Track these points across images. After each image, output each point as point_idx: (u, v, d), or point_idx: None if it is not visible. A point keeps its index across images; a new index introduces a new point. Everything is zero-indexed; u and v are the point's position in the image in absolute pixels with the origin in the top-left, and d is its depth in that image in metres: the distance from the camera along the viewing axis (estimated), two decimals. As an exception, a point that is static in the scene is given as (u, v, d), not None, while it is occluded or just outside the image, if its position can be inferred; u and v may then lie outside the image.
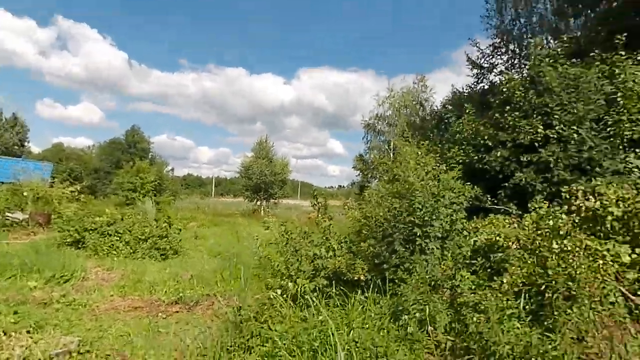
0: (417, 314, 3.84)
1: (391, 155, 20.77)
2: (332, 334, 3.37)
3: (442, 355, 3.62)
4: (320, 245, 5.66)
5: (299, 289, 4.75)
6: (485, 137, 8.93)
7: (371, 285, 5.02)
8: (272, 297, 4.34)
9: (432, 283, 4.61)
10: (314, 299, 4.55)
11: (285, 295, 4.59)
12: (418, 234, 4.99)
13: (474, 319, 3.62)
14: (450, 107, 15.44)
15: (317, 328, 3.73)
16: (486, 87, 14.40)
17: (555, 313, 3.47)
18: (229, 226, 15.51)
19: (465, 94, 14.97)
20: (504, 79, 10.44)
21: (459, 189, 5.82)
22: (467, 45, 29.66)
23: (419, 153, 6.42)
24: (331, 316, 4.28)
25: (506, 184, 8.59)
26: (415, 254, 4.88)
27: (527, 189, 8.10)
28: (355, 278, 5.11)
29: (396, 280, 4.59)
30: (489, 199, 9.03)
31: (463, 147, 9.62)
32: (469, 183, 6.54)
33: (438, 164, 6.34)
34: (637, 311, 3.66)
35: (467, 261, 5.14)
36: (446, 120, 13.39)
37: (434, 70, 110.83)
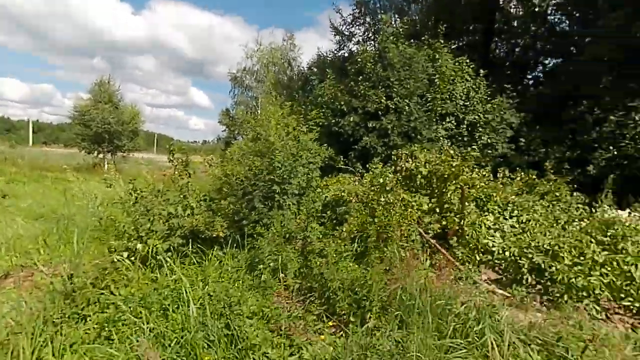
0: (272, 264, 4.20)
1: (258, 112, 20.57)
2: (185, 291, 3.37)
3: (289, 296, 4.12)
4: (177, 204, 5.36)
5: (150, 250, 4.46)
6: (342, 103, 9.83)
7: (230, 241, 5.14)
8: (116, 260, 3.95)
9: (287, 235, 5.06)
10: (168, 258, 4.38)
11: (133, 258, 4.25)
12: (277, 191, 5.31)
13: (317, 262, 4.21)
14: (315, 70, 16.14)
15: (170, 287, 3.65)
16: (346, 54, 15.55)
17: (375, 252, 4.39)
18: (57, 183, 12.59)
19: (329, 59, 15.83)
20: (360, 50, 11.51)
21: (316, 150, 6.34)
22: (331, 10, 30.75)
23: (282, 113, 6.61)
24: (186, 274, 4.23)
25: (355, 147, 9.85)
26: (274, 209, 5.19)
27: (370, 152, 9.51)
28: (214, 235, 5.12)
29: (255, 235, 4.84)
30: (342, 159, 10.23)
31: (323, 110, 10.35)
32: (325, 144, 7.23)
33: (299, 125, 6.70)
34: (427, 245, 4.97)
35: (318, 214, 5.82)
36: (311, 83, 14.01)
37: (303, 29, 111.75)
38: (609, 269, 3.94)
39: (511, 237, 5.05)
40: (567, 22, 13.46)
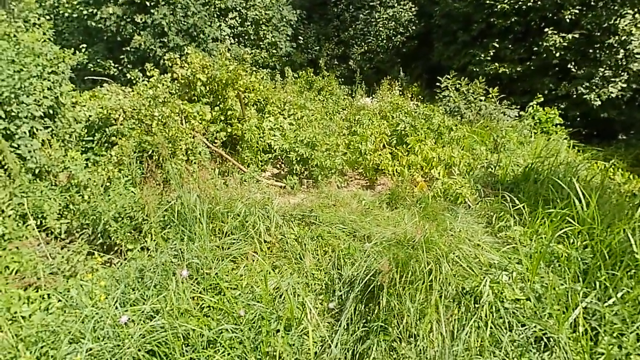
0: (12, 212, 3.39)
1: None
2: None
3: (58, 238, 3.57)
4: None
5: None
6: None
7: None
8: None
9: (37, 170, 4.09)
10: None
11: None
12: (2, 117, 3.98)
13: (85, 196, 3.69)
14: None
15: None
16: None
17: (158, 171, 4.19)
18: None
19: None
20: None
21: (57, 54, 4.88)
22: None
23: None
24: None
25: (128, 49, 8.19)
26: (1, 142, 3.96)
27: (148, 55, 8.16)
28: None
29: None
30: (112, 65, 8.41)
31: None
32: (84, 45, 5.64)
33: (13, 19, 4.84)
34: (216, 155, 5.11)
35: (82, 139, 4.86)
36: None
37: None
38: (350, 148, 5.20)
39: (290, 134, 5.76)
40: None
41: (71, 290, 2.60)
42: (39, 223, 3.56)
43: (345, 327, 2.67)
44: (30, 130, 4.22)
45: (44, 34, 4.76)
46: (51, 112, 4.63)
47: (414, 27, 11.28)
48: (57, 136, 4.59)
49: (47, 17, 5.41)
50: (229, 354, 2.28)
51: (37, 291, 2.67)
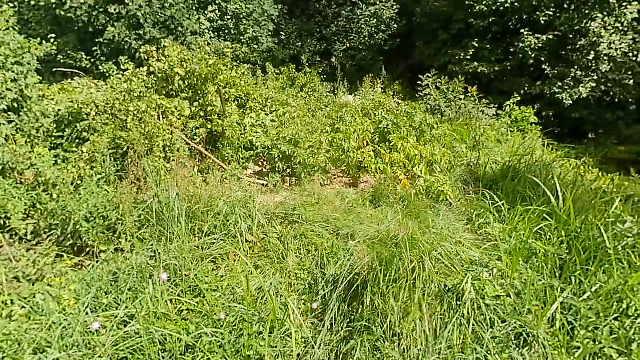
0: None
1: None
2: None
3: (23, 240, 3.36)
4: None
5: None
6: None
7: None
8: None
9: (0, 168, 3.83)
10: None
11: None
12: (-41, 110, 3.70)
13: (54, 195, 3.49)
14: None
15: None
16: None
17: (133, 168, 4.01)
18: None
19: None
20: None
21: (22, 44, 4.59)
22: None
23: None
24: None
25: (101, 40, 7.83)
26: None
27: (123, 47, 7.82)
28: None
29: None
30: (84, 57, 8.02)
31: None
32: (52, 36, 5.32)
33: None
34: (195, 152, 4.95)
35: (51, 134, 4.60)
36: None
37: None
38: (333, 146, 5.15)
39: (273, 131, 5.64)
40: None
41: (37, 295, 2.44)
42: (2, 224, 3.34)
43: (329, 328, 2.63)
44: (-8, 124, 3.95)
45: (7, 21, 4.46)
46: (15, 105, 4.35)
47: (395, 26, 11.34)
48: (22, 131, 4.31)
49: (10, 4, 5.07)
50: (208, 359, 2.20)
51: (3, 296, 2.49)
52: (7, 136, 4.11)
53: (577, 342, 2.33)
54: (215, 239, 3.34)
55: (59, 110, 4.82)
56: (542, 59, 9.41)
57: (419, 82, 8.41)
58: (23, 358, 1.92)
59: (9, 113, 4.24)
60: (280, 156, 4.91)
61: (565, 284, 2.72)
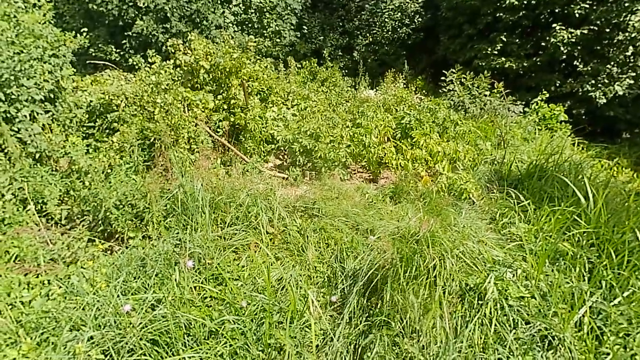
0: (11, 196, 3.35)
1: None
2: None
3: (58, 224, 3.54)
4: None
5: None
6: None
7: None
8: None
9: (38, 155, 4.03)
10: None
11: None
12: (2, 99, 3.91)
13: (86, 182, 3.65)
14: None
15: None
16: None
17: (160, 159, 4.14)
18: None
19: None
20: None
21: (58, 37, 4.78)
22: None
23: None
24: None
25: (130, 34, 8.06)
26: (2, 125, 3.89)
27: (150, 40, 8.03)
28: None
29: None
30: (114, 50, 8.28)
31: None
32: (84, 30, 5.52)
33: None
34: (218, 144, 5.05)
35: (84, 125, 4.79)
36: None
37: None
38: (354, 140, 5.13)
39: (294, 124, 5.68)
40: None
41: (72, 277, 2.57)
42: (39, 208, 3.52)
43: (348, 321, 2.65)
44: (31, 114, 4.15)
45: (44, 15, 4.65)
46: (52, 96, 4.56)
47: (420, 19, 11.10)
48: (57, 121, 4.52)
49: (47, -1, 5.28)
50: (231, 345, 2.26)
51: (37, 277, 2.65)
52: (44, 125, 4.32)
53: (607, 347, 2.25)
54: (237, 230, 3.41)
55: (91, 101, 5.01)
56: (575, 54, 9.01)
57: (443, 78, 8.22)
58: (61, 334, 2.04)
59: (46, 103, 4.45)
60: (301, 150, 4.94)
61: (595, 288, 2.62)
